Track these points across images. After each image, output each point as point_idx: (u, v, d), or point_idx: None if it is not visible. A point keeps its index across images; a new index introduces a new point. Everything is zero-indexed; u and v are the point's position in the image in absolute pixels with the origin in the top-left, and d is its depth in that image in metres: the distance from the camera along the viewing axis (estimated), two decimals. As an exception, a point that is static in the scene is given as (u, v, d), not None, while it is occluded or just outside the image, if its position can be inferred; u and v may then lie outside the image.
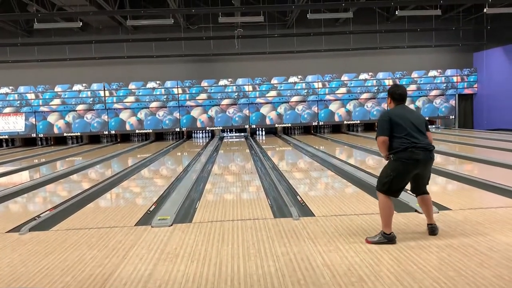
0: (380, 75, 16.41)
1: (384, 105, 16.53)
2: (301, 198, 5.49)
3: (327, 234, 3.97)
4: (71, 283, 3.07)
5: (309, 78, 16.31)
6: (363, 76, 16.41)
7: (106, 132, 16.16)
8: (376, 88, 16.41)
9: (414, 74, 16.47)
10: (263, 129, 17.14)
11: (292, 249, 3.60)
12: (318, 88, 16.40)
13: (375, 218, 4.40)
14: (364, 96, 16.42)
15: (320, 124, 16.60)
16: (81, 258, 3.58)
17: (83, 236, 4.22)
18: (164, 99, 16.08)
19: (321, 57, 16.59)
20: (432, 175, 7.44)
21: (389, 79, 16.41)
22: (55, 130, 15.97)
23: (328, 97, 16.39)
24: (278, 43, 16.22)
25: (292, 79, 16.31)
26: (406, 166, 3.67)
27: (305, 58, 16.53)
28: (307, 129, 17.23)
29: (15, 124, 15.90)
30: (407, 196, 5.29)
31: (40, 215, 5.07)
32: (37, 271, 3.33)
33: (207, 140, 15.62)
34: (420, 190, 3.91)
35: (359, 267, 3.16)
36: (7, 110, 15.86)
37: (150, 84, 16.01)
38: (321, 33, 15.86)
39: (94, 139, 16.58)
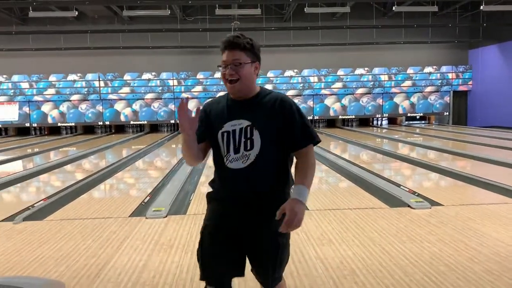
0: (376, 70, 16.44)
1: (379, 100, 16.60)
2: (295, 191, 5.52)
3: (320, 227, 4.01)
4: (65, 273, 3.09)
5: (305, 72, 16.31)
6: (359, 71, 16.43)
7: (101, 123, 16.09)
8: (371, 83, 16.45)
9: (410, 70, 16.52)
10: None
11: (286, 242, 3.63)
12: (314, 82, 16.41)
13: (368, 213, 4.45)
14: (360, 91, 16.45)
15: (315, 118, 16.61)
16: (76, 248, 3.59)
17: (77, 226, 4.22)
18: (159, 91, 16.02)
19: (318, 51, 16.57)
20: (425, 171, 7.51)
21: (384, 74, 16.45)
22: (49, 120, 15.89)
23: (323, 91, 16.41)
24: (274, 36, 16.15)
25: (288, 73, 16.30)
26: None
27: (301, 52, 16.51)
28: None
29: (9, 113, 15.79)
30: (399, 191, 5.35)
31: (34, 205, 5.06)
32: (31, 260, 3.34)
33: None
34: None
35: (352, 260, 3.20)
36: (0, 99, 15.74)
37: (146, 75, 15.94)
38: (318, 27, 15.83)
39: (89, 129, 16.50)
